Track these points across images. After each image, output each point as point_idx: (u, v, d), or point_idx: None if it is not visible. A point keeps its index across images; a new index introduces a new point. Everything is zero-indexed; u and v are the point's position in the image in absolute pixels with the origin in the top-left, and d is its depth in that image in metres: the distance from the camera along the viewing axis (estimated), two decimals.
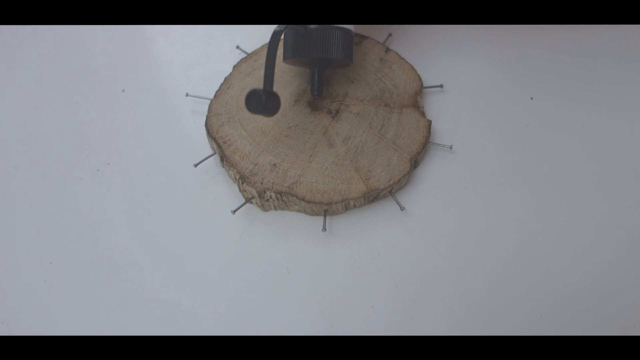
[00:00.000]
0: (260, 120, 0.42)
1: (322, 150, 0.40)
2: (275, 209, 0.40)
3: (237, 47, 0.50)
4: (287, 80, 0.44)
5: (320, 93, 0.41)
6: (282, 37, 0.40)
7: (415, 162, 0.40)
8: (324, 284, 0.36)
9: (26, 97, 0.49)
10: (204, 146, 0.44)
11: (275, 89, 0.44)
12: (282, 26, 0.36)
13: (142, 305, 0.36)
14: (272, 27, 0.51)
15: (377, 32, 0.49)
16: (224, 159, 0.40)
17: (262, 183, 0.38)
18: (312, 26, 0.38)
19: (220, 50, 0.51)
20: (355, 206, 0.39)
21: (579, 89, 0.45)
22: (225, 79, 0.45)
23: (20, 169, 0.44)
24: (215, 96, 0.44)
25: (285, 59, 0.40)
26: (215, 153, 0.43)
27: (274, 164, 0.39)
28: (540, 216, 0.38)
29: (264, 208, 0.40)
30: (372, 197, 0.38)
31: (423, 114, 0.42)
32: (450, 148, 0.42)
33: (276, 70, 0.45)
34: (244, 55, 0.49)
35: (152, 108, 0.47)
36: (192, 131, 0.45)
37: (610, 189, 0.39)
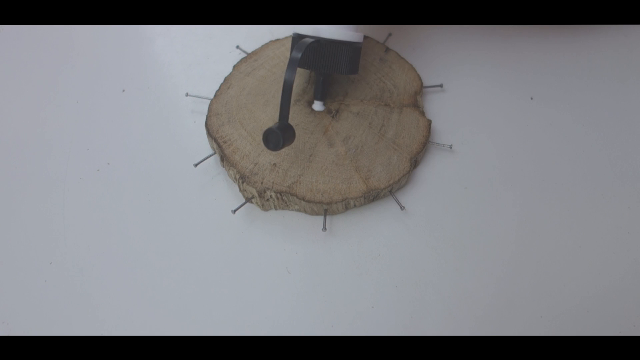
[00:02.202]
0: (261, 119, 0.42)
1: (322, 150, 0.40)
2: (276, 209, 0.40)
3: (237, 47, 0.50)
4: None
5: (323, 98, 0.41)
6: (291, 42, 0.40)
7: (415, 162, 0.40)
8: (324, 284, 0.36)
9: (26, 97, 0.49)
10: (204, 146, 0.44)
11: (275, 88, 0.44)
12: (299, 53, 0.35)
13: (142, 305, 0.36)
14: (272, 27, 0.51)
15: (377, 32, 0.49)
16: (224, 159, 0.40)
17: (262, 183, 0.38)
18: (323, 39, 0.38)
19: (220, 50, 0.51)
20: (355, 206, 0.39)
21: (578, 89, 0.45)
22: (225, 79, 0.45)
23: (20, 168, 0.44)
24: (215, 96, 0.44)
25: None
26: (215, 153, 0.43)
27: (274, 164, 0.39)
28: (540, 216, 0.38)
29: (264, 208, 0.40)
30: (372, 196, 0.38)
31: (423, 113, 0.42)
32: (450, 148, 0.42)
33: (276, 69, 0.45)
34: (244, 55, 0.49)
35: (152, 108, 0.47)
36: (192, 131, 0.45)
37: (610, 189, 0.39)
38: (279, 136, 0.33)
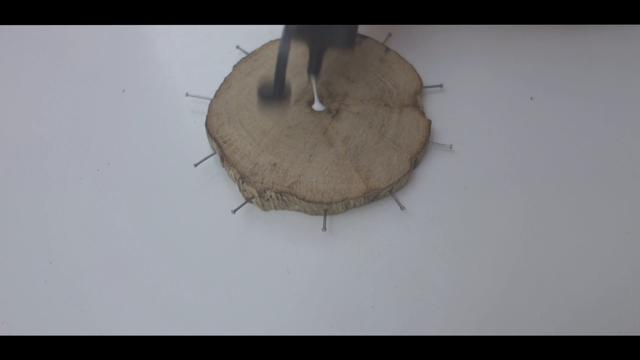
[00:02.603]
0: (261, 119, 0.42)
1: (322, 150, 0.40)
2: (276, 209, 0.40)
3: (237, 47, 0.50)
4: (287, 80, 0.44)
5: (317, 73, 0.40)
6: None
7: (415, 162, 0.40)
8: (324, 284, 0.36)
9: (27, 97, 0.49)
10: (204, 146, 0.44)
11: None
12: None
13: (142, 305, 0.36)
14: (272, 27, 0.51)
15: (377, 32, 0.49)
16: (224, 159, 0.40)
17: (262, 183, 0.38)
18: None
19: (220, 50, 0.51)
20: (355, 206, 0.39)
21: (578, 89, 0.45)
22: (225, 79, 0.45)
23: (20, 168, 0.44)
24: (215, 96, 0.44)
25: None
26: (215, 153, 0.43)
27: (274, 164, 0.39)
28: (540, 216, 0.38)
29: (264, 208, 0.40)
30: (372, 196, 0.38)
31: (423, 113, 0.42)
32: (450, 148, 0.42)
33: None
34: (244, 55, 0.49)
35: (152, 108, 0.47)
36: (192, 131, 0.45)
37: (610, 189, 0.39)
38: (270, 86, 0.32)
